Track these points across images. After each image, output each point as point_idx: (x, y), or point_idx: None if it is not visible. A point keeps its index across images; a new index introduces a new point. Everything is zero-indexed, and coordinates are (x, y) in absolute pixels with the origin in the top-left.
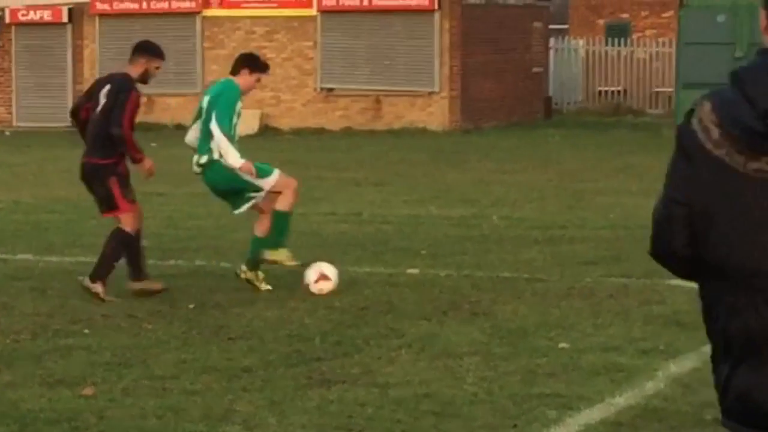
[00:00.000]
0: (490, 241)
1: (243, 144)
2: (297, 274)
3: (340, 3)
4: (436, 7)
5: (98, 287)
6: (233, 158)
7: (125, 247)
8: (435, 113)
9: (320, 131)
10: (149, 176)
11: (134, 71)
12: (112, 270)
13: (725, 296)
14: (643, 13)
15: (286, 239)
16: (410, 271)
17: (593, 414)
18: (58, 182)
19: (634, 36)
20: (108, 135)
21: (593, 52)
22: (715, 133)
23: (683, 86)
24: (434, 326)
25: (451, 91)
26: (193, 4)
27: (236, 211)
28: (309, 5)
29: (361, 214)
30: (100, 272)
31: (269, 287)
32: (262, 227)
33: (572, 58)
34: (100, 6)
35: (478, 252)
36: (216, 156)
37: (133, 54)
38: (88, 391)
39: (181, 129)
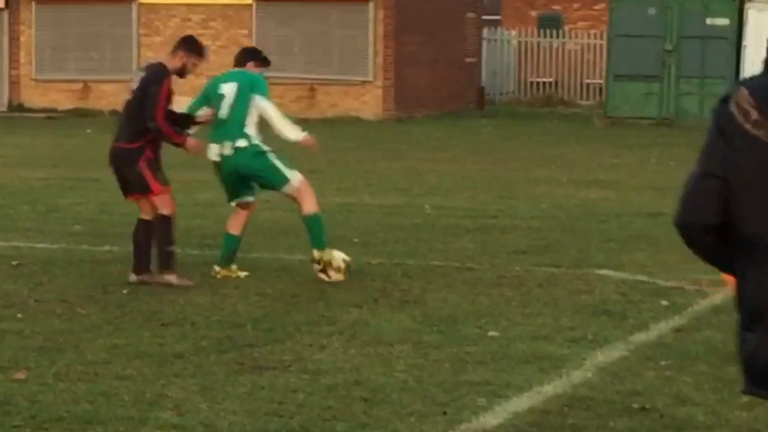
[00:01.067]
0: (422, 229)
1: None
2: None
3: None
4: None
5: (171, 278)
6: (296, 135)
7: (171, 228)
8: (369, 102)
9: None
10: (197, 154)
11: (172, 63)
12: (173, 255)
13: (757, 267)
14: (575, 6)
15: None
16: None
17: (522, 402)
18: None
19: (566, 28)
20: (136, 121)
21: (525, 43)
22: (754, 114)
23: (614, 78)
24: (365, 314)
25: (385, 81)
26: None
27: (241, 200)
28: None
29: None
30: (165, 263)
31: (246, 273)
32: (236, 224)
33: (505, 49)
34: None
35: (409, 240)
36: (255, 141)
37: (175, 47)
38: (20, 375)
39: (117, 115)
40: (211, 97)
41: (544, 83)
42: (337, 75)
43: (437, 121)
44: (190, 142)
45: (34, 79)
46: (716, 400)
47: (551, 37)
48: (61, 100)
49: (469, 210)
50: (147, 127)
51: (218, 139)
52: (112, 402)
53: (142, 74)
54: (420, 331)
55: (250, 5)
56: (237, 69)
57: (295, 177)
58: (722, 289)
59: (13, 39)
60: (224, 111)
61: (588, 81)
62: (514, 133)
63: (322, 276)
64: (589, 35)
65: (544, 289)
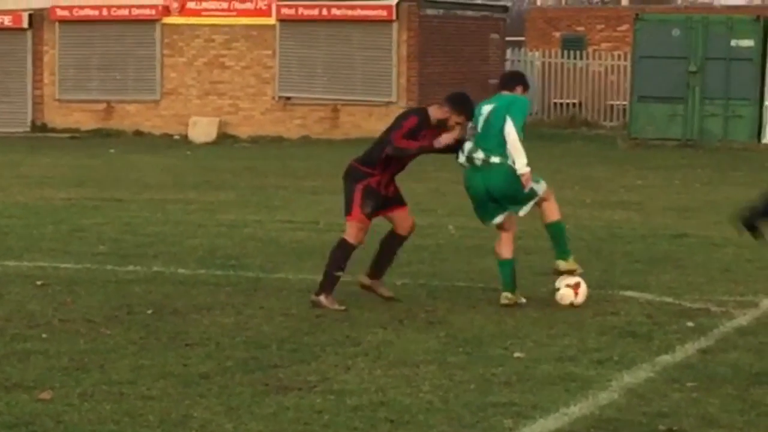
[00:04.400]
0: (446, 250)
1: (200, 151)
2: (255, 281)
3: (299, 12)
4: (394, 17)
5: (321, 299)
6: (521, 164)
7: (346, 256)
8: None
9: (278, 140)
10: (451, 138)
11: (435, 113)
12: (336, 280)
13: None
14: (599, 27)
15: (568, 246)
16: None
17: (548, 423)
18: (16, 187)
19: (590, 49)
20: (377, 146)
21: (549, 64)
22: None
23: (638, 99)
24: (390, 334)
25: (409, 102)
26: (153, 12)
27: (493, 221)
28: (268, 14)
29: (318, 223)
30: (324, 285)
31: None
32: (505, 249)
33: (528, 71)
34: (60, 12)
35: (434, 261)
36: (510, 161)
37: (446, 99)
38: (45, 395)
39: (140, 135)
40: (481, 117)
41: (567, 104)
42: (361, 96)
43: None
44: (444, 138)
45: (57, 100)
46: (743, 422)
47: (575, 58)
48: (84, 120)
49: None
50: (381, 158)
51: (475, 147)
52: (138, 422)
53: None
54: (445, 351)
55: (274, 25)
56: (511, 95)
57: (541, 188)
58: (748, 310)
59: (37, 59)
60: (479, 128)
61: (612, 102)
62: (538, 154)
63: (567, 291)
64: (612, 56)
65: (570, 311)
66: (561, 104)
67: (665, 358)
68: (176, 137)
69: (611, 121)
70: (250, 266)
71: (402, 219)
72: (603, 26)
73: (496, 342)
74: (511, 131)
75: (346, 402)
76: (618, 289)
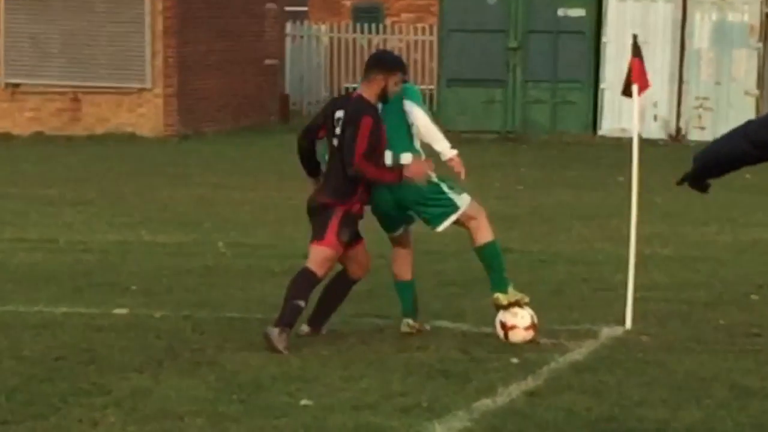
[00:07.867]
0: (216, 273)
1: None
2: None
3: None
4: None
5: (275, 333)
6: (445, 147)
7: (310, 289)
8: (146, 115)
9: (6, 137)
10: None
11: (370, 92)
12: (299, 312)
13: None
14: None
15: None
16: (117, 311)
17: None
18: None
19: (388, 21)
20: (343, 176)
21: (338, 40)
22: None
23: (446, 83)
24: (148, 380)
25: (166, 88)
26: None
27: (395, 232)
28: None
29: (57, 241)
30: (283, 317)
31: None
32: (404, 269)
33: (313, 48)
34: None
35: (200, 287)
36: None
37: (368, 70)
38: None
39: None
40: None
41: None
42: (107, 81)
43: (231, 138)
44: (410, 169)
45: None
46: None
47: (369, 32)
48: None
49: (274, 248)
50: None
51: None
52: None
53: (340, 113)
54: (216, 400)
55: None
56: None
57: (464, 201)
58: (584, 342)
59: None
60: None
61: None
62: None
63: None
64: (415, 30)
65: (369, 346)
66: (354, 89)
67: (485, 403)
68: None
69: None
70: None
71: (361, 256)
72: None
73: (279, 387)
74: (421, 116)
75: None
76: (428, 317)
